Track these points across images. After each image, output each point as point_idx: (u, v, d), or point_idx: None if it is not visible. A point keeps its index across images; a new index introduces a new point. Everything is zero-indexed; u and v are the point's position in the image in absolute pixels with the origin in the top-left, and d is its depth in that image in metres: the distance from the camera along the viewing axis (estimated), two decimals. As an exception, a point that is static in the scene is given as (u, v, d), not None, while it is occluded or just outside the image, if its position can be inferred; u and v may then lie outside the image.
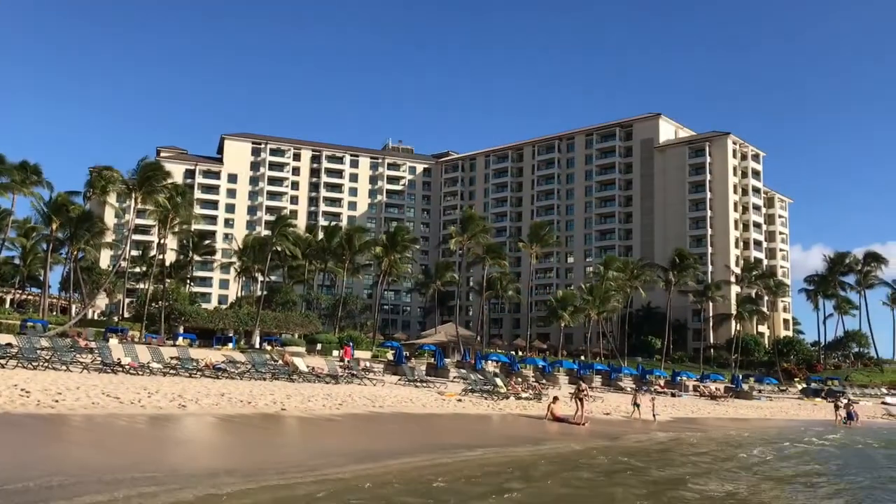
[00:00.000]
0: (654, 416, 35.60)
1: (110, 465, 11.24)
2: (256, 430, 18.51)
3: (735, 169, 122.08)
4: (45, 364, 25.78)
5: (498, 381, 40.95)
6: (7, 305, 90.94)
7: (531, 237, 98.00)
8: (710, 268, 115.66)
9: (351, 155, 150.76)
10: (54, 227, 78.53)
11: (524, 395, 38.73)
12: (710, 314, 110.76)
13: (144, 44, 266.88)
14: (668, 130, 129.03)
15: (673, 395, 60.47)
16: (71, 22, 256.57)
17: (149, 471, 10.94)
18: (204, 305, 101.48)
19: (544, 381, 54.31)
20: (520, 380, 48.82)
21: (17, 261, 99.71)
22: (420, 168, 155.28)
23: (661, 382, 68.13)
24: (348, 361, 45.32)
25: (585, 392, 30.80)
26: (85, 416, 16.36)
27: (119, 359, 28.97)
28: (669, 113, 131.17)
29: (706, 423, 38.93)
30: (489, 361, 65.78)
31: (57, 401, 17.59)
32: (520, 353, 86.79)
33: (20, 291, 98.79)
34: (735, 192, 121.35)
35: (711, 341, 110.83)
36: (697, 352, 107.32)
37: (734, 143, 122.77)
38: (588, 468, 16.55)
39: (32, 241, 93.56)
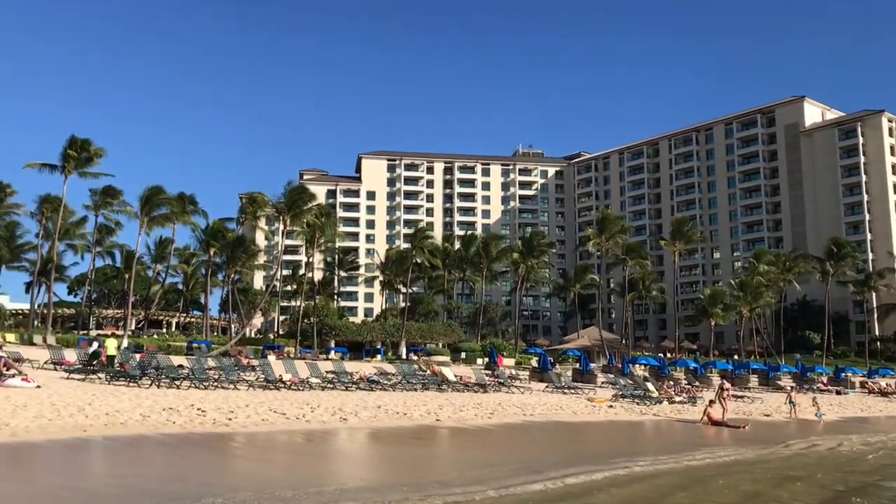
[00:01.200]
0: (818, 416, 33.64)
1: (287, 481, 11.84)
2: (415, 441, 18.97)
3: (893, 148, 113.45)
4: (215, 384, 27.51)
5: (649, 385, 39.94)
6: (173, 328, 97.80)
7: (673, 234, 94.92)
8: (870, 255, 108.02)
9: (482, 164, 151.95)
10: (212, 252, 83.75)
11: (677, 398, 37.60)
12: (874, 305, 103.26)
13: (281, 75, 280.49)
14: (813, 113, 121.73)
15: (838, 392, 56.84)
16: (221, 60, 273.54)
17: (320, 485, 11.45)
18: (351, 319, 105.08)
19: (697, 384, 52.51)
20: (671, 383, 47.42)
21: (180, 286, 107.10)
22: (552, 171, 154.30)
23: (824, 380, 64.20)
24: (498, 370, 45.52)
25: (728, 392, 29.82)
26: (256, 433, 17.33)
27: (280, 375, 30.46)
28: (813, 95, 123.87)
29: (879, 422, 36.31)
30: (637, 365, 64.20)
31: (230, 419, 18.73)
32: (669, 356, 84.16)
33: (184, 314, 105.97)
34: (894, 172, 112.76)
35: (877, 333, 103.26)
36: (862, 345, 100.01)
37: (889, 120, 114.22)
38: (793, 480, 15.61)
39: (193, 266, 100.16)
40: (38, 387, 22.08)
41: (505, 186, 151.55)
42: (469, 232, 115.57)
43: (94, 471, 12.31)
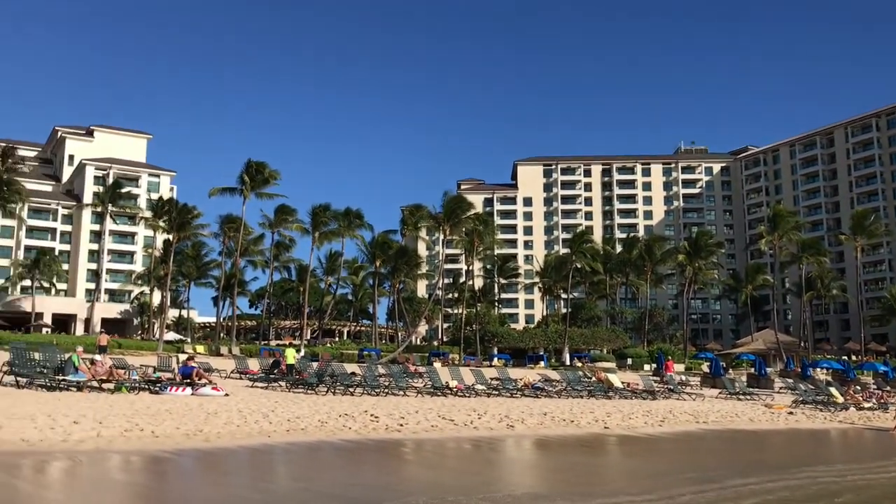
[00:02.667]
0: None
1: (458, 486, 12.08)
2: (583, 449, 18.76)
3: None
4: (386, 390, 28.49)
5: (832, 390, 37.24)
6: (345, 337, 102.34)
7: (854, 228, 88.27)
8: None
9: (642, 164, 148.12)
10: (378, 263, 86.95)
11: (866, 404, 34.80)
12: None
13: (435, 87, 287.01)
14: None
15: None
16: (381, 73, 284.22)
17: (489, 491, 11.60)
18: (512, 326, 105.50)
19: (888, 389, 48.35)
20: (858, 388, 43.97)
21: (350, 296, 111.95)
22: (717, 168, 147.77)
23: None
24: (667, 376, 44.12)
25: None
26: (426, 439, 17.78)
27: (446, 382, 31.08)
28: None
29: None
30: (818, 369, 60.13)
31: (401, 425, 19.33)
32: (854, 358, 78.20)
33: (355, 323, 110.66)
34: None
35: None
36: None
37: None
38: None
39: (361, 277, 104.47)
40: (227, 395, 23.72)
41: (667, 186, 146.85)
42: (631, 234, 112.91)
43: (280, 475, 13.10)
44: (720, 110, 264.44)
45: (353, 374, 31.56)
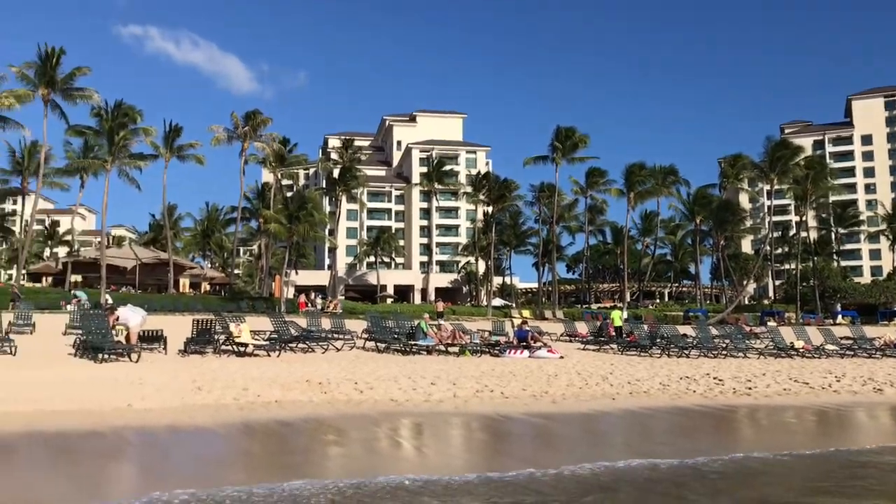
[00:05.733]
0: None
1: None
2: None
3: None
4: (724, 352, 27.03)
5: None
6: (666, 299, 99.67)
7: None
8: None
9: None
10: (698, 220, 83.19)
11: None
12: None
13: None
14: None
15: None
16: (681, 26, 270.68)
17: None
18: (856, 279, 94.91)
19: None
20: None
21: (668, 257, 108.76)
22: None
23: None
24: None
25: None
26: (782, 405, 16.39)
27: (791, 342, 28.72)
28: None
29: None
30: None
31: (749, 388, 18.12)
32: None
33: (676, 284, 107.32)
34: None
35: None
36: None
37: None
38: None
39: (678, 237, 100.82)
40: (562, 357, 24.17)
41: None
42: None
43: (646, 437, 12.78)
44: None
45: (685, 335, 30.49)
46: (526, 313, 66.99)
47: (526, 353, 24.35)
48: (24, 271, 66.03)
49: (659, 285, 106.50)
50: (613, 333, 32.80)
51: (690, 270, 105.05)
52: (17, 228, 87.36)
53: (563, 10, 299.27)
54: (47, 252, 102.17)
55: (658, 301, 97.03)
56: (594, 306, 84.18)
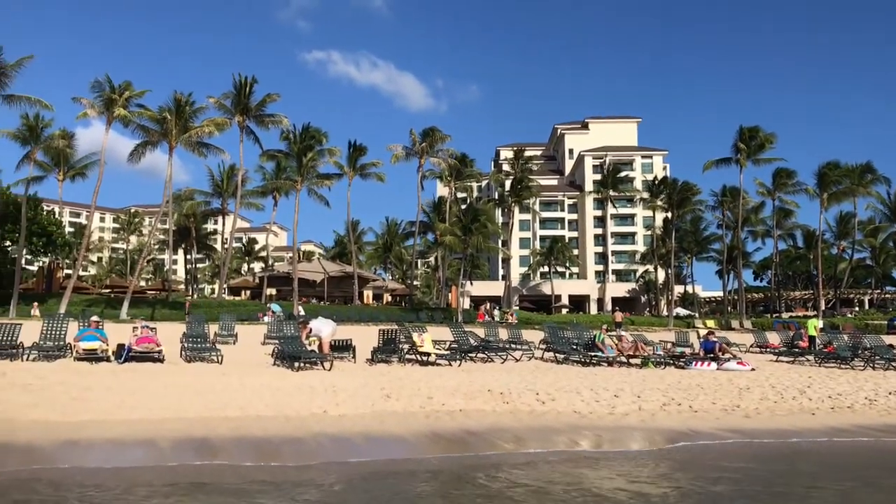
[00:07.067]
0: None
1: None
2: None
3: None
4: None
5: None
6: (866, 306, 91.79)
7: None
8: None
9: None
10: (900, 221, 76.19)
11: None
12: None
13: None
14: None
15: None
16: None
17: None
18: None
19: None
20: None
21: (868, 261, 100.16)
22: None
23: None
24: None
25: None
26: None
27: None
28: None
29: None
30: None
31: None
32: None
33: (877, 291, 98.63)
34: None
35: None
36: None
37: None
38: None
39: (879, 239, 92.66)
40: (753, 369, 22.92)
41: None
42: None
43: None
44: None
45: (891, 346, 27.99)
46: (710, 323, 64.05)
47: (714, 365, 23.31)
48: (225, 285, 71.66)
49: (858, 292, 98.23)
50: (807, 344, 30.74)
51: (894, 276, 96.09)
52: (217, 246, 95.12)
53: (740, 11, 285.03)
54: (245, 267, 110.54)
55: (857, 309, 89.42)
56: (785, 315, 79.04)
